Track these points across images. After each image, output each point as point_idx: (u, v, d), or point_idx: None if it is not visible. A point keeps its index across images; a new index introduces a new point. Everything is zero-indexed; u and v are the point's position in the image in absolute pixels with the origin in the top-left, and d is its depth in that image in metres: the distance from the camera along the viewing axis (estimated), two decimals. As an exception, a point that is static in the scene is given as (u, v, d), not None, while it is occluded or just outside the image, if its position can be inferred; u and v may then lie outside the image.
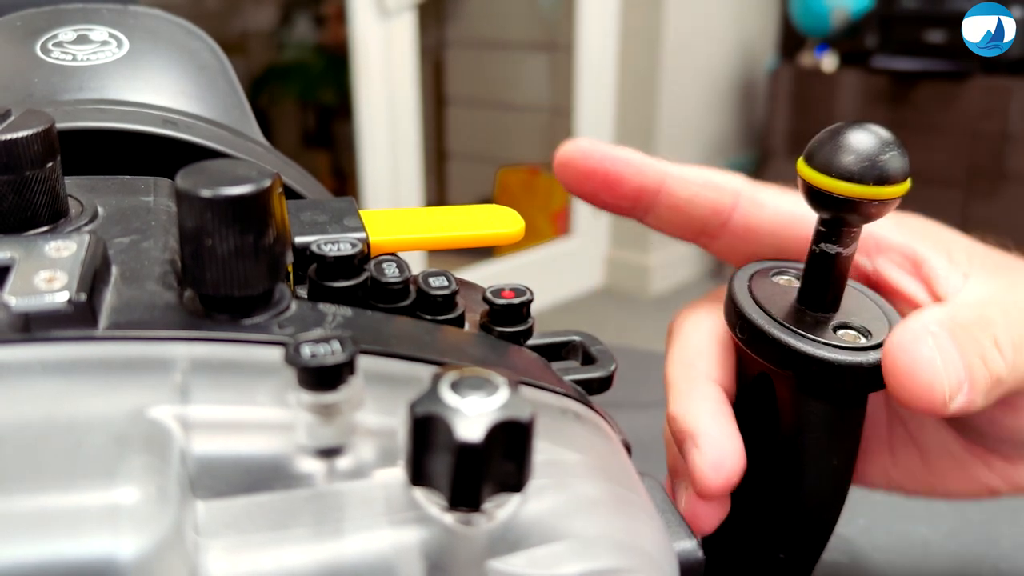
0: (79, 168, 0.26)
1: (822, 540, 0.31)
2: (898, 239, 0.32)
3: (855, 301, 0.30)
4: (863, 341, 0.28)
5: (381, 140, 1.88)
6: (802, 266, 0.31)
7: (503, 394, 0.17)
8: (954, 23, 2.09)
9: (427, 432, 0.16)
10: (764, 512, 0.31)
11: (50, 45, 0.34)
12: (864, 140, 0.27)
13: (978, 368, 0.27)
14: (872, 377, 0.27)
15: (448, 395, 0.16)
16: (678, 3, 2.29)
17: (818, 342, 0.27)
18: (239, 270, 0.19)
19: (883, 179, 0.26)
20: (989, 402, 0.27)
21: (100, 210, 0.24)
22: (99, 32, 0.35)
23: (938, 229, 0.33)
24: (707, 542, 0.33)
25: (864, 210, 0.27)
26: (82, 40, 0.34)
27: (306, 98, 2.55)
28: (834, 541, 0.35)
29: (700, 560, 0.22)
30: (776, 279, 0.31)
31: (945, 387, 0.26)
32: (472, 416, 0.16)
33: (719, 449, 0.28)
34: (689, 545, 0.22)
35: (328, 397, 0.17)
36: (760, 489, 0.30)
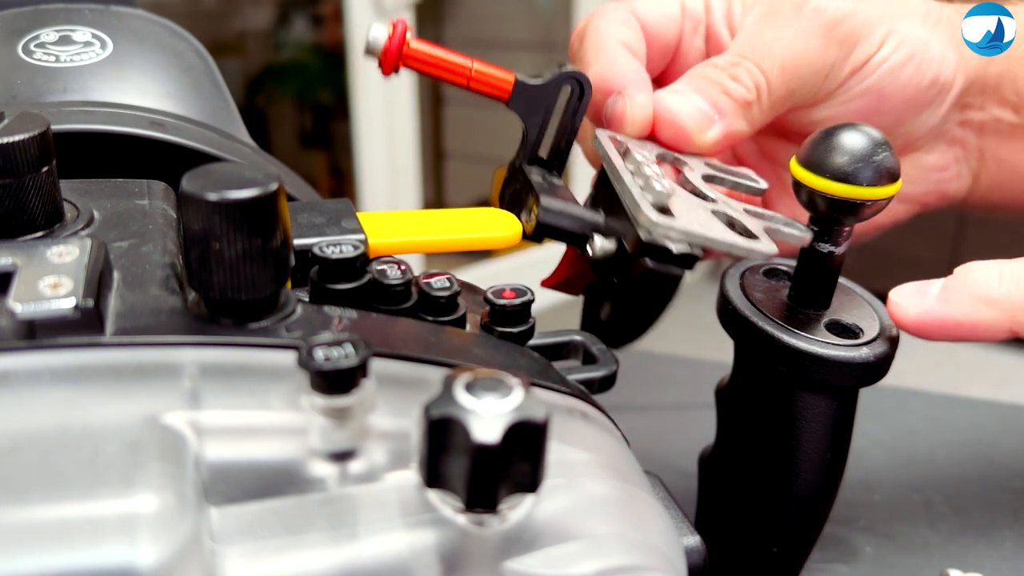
0: (64, 171, 0.26)
1: (814, 534, 0.32)
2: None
3: (845, 298, 0.30)
4: (854, 337, 0.29)
5: (379, 140, 1.87)
6: (794, 264, 0.31)
7: (518, 395, 0.17)
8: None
9: (443, 434, 0.16)
10: (757, 506, 0.31)
11: (32, 46, 0.33)
12: (857, 141, 0.27)
13: (723, 101, 0.33)
14: (864, 372, 0.28)
15: (463, 397, 0.16)
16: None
17: (811, 338, 0.28)
18: (247, 273, 0.19)
19: (875, 179, 0.27)
20: (760, 121, 0.35)
21: (96, 214, 0.23)
22: (82, 33, 0.34)
23: None
24: (702, 537, 0.33)
25: (857, 210, 0.27)
26: (65, 41, 0.34)
27: (303, 98, 2.52)
28: (834, 543, 0.35)
29: (705, 555, 0.23)
30: (768, 277, 0.31)
31: (689, 124, 0.33)
32: (488, 417, 0.16)
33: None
34: (694, 541, 0.23)
35: (341, 400, 0.17)
36: (754, 483, 0.31)
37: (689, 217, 0.26)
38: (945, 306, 0.27)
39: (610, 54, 0.34)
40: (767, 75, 0.34)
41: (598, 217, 0.29)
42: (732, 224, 0.28)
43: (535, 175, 0.31)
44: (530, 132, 0.32)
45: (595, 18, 0.37)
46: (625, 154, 0.31)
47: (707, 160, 0.33)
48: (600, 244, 0.29)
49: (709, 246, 0.26)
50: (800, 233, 0.29)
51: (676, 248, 0.25)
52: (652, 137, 0.34)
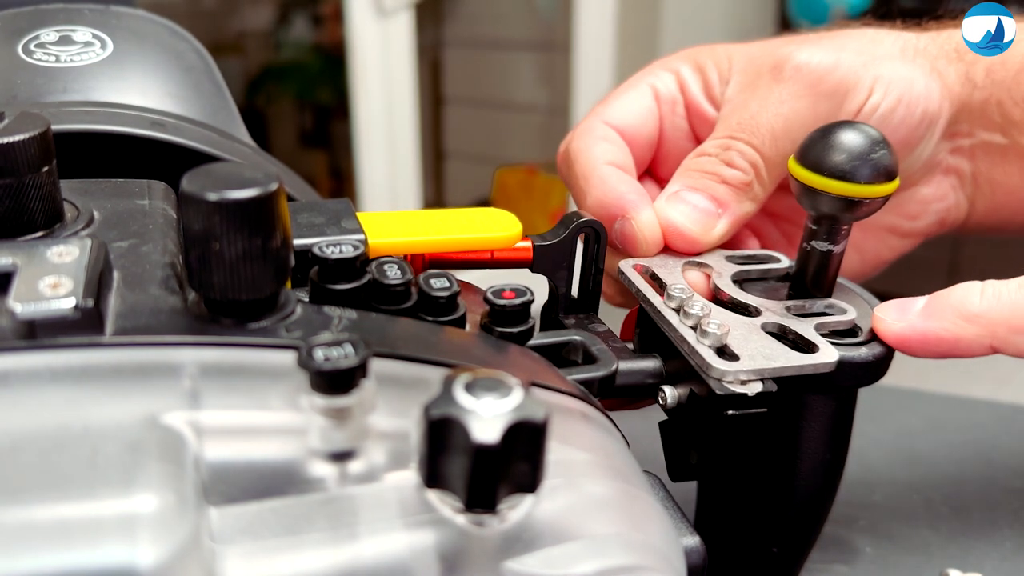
0: (64, 171, 0.26)
1: (813, 534, 0.32)
2: (686, 64, 0.37)
3: (844, 297, 0.30)
4: (852, 336, 0.29)
5: (378, 140, 1.86)
6: (793, 264, 0.31)
7: (517, 395, 0.17)
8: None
9: (442, 434, 0.16)
10: (757, 506, 0.31)
11: (32, 46, 0.33)
12: (855, 139, 0.27)
13: (721, 191, 0.33)
14: (864, 372, 0.28)
15: (463, 397, 0.16)
16: (676, 3, 2.28)
17: (811, 338, 0.28)
18: (247, 273, 0.19)
19: (873, 177, 0.27)
20: (764, 194, 0.34)
21: (96, 214, 0.23)
22: (82, 33, 0.34)
23: (720, 45, 0.38)
24: (702, 538, 0.33)
25: (855, 208, 0.27)
26: (65, 41, 0.34)
27: (303, 98, 2.52)
28: (834, 543, 0.35)
29: (704, 555, 0.23)
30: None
31: (694, 229, 0.32)
32: (488, 418, 0.16)
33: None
34: (693, 541, 0.23)
35: (341, 401, 0.17)
36: (753, 484, 0.31)
37: (750, 350, 0.26)
38: (927, 321, 0.27)
39: (602, 179, 0.34)
40: (760, 149, 0.33)
41: (658, 363, 0.28)
42: (785, 332, 0.28)
43: (575, 328, 0.30)
44: (558, 286, 0.31)
45: (576, 141, 0.36)
46: (654, 280, 0.30)
47: (726, 254, 0.33)
48: (671, 394, 0.28)
49: (779, 375, 0.26)
50: (847, 316, 0.29)
51: (751, 391, 0.25)
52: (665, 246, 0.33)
